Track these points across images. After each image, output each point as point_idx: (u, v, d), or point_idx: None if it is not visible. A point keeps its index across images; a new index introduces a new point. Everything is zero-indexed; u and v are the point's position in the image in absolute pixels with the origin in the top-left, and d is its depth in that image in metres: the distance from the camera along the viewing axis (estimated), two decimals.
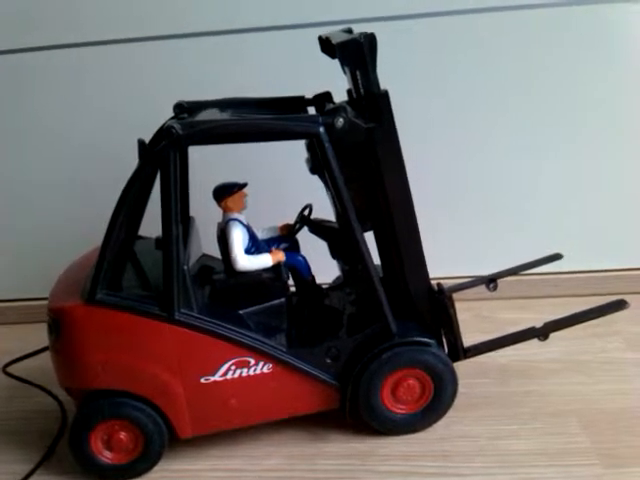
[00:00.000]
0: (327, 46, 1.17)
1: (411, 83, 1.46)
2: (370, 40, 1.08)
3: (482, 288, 1.61)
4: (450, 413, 1.23)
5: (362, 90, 1.11)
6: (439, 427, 1.23)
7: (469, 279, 1.40)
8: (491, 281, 1.35)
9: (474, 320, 1.57)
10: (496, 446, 1.18)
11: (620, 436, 1.18)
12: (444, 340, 1.25)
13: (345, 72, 1.18)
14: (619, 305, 1.23)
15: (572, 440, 1.18)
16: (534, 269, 1.40)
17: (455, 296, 1.22)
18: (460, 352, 1.23)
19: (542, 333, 1.24)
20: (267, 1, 1.49)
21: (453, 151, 1.58)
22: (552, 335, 1.26)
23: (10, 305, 1.78)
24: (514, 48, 1.50)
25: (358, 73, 1.11)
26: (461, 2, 1.47)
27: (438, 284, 1.23)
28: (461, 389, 1.22)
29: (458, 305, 1.22)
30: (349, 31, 1.17)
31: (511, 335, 1.26)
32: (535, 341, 1.25)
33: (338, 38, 1.11)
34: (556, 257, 1.40)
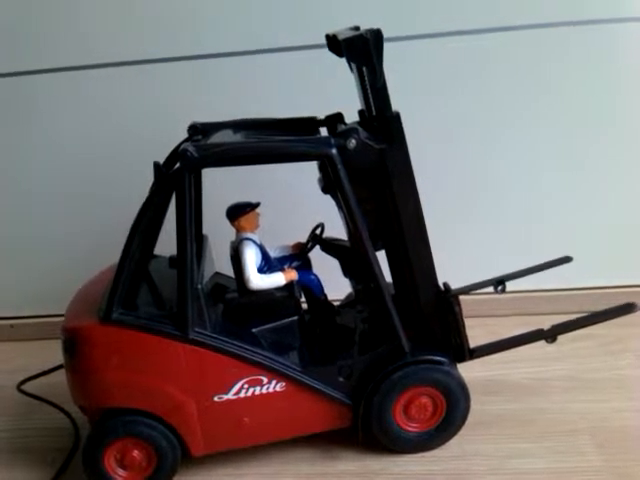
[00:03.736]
0: (334, 44, 1.17)
1: (421, 99, 1.48)
2: (376, 36, 1.08)
3: (495, 304, 1.62)
4: (463, 431, 1.23)
5: (369, 89, 1.11)
6: (452, 445, 1.23)
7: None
8: (499, 283, 1.34)
9: (485, 336, 1.56)
10: (509, 465, 1.18)
11: (633, 454, 1.17)
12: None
13: (352, 70, 1.18)
14: (628, 308, 1.22)
15: (585, 459, 1.17)
16: (547, 286, 1.39)
17: (466, 312, 1.22)
18: (466, 353, 1.23)
19: (549, 335, 1.23)
20: (278, 22, 1.51)
21: (462, 164, 1.59)
22: (564, 353, 1.26)
23: (24, 322, 1.79)
24: (522, 64, 1.52)
25: (365, 70, 1.11)
26: (470, 23, 1.49)
27: (444, 284, 1.22)
28: (474, 407, 1.22)
29: (468, 321, 1.23)
30: (356, 29, 1.17)
31: (518, 337, 1.26)
32: (548, 358, 1.24)
33: (344, 35, 1.11)
34: (566, 260, 1.38)
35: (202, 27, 1.53)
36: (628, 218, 1.62)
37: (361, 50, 1.08)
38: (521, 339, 1.26)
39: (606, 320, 1.24)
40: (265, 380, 1.15)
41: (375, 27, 1.08)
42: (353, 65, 1.16)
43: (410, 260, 1.18)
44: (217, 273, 1.33)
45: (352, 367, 1.18)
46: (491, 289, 1.36)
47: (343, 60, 1.18)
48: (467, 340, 1.22)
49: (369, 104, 1.15)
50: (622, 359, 1.46)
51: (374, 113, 1.13)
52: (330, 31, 1.18)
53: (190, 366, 1.12)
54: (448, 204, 1.59)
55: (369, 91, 1.12)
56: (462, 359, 1.23)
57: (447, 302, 1.20)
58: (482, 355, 1.25)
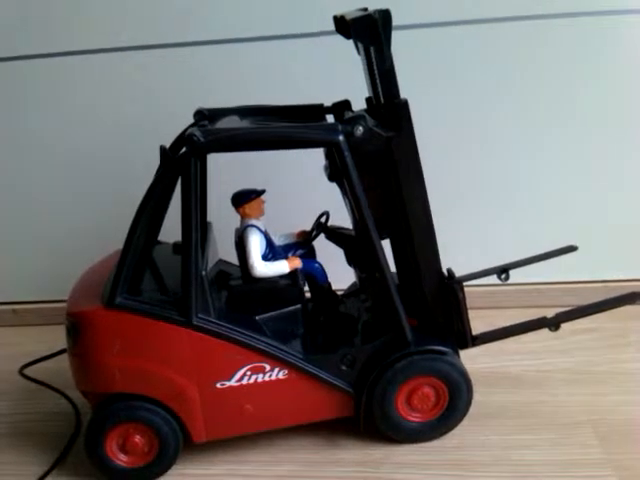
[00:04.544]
0: (342, 25, 1.16)
1: (425, 89, 1.47)
2: (384, 16, 1.07)
3: (495, 297, 1.62)
4: (465, 422, 1.23)
5: (376, 71, 1.11)
6: (454, 436, 1.23)
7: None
8: (503, 271, 1.33)
9: (486, 328, 1.56)
10: (511, 456, 1.18)
11: (635, 447, 1.17)
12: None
13: (359, 52, 1.17)
14: (631, 298, 1.22)
15: (587, 451, 1.17)
16: (552, 279, 1.38)
17: (469, 304, 1.21)
18: (468, 340, 1.23)
19: (553, 323, 1.23)
20: (284, 9, 1.50)
21: (468, 153, 1.59)
22: (567, 345, 1.25)
23: (27, 307, 1.79)
24: (524, 53, 1.51)
25: (372, 51, 1.10)
26: (471, 12, 1.48)
27: (448, 270, 1.22)
28: (476, 398, 1.22)
29: (471, 313, 1.22)
30: (365, 10, 1.16)
31: (521, 324, 1.25)
32: (551, 351, 1.24)
33: (352, 15, 1.10)
34: (571, 249, 1.37)
35: (209, 13, 1.52)
36: (635, 211, 1.61)
37: (369, 30, 1.07)
38: (524, 327, 1.25)
39: (610, 309, 1.24)
40: (268, 367, 1.15)
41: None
42: (361, 48, 1.15)
43: (415, 248, 1.17)
44: (221, 260, 1.33)
45: (355, 356, 1.18)
46: (494, 280, 1.36)
47: (351, 48, 1.17)
48: (470, 327, 1.22)
49: (377, 91, 1.14)
50: (625, 352, 1.46)
51: (382, 100, 1.13)
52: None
53: (193, 352, 1.12)
54: (454, 193, 1.58)
55: (377, 75, 1.11)
56: (464, 346, 1.23)
57: (451, 288, 1.20)
58: (485, 342, 1.24)
